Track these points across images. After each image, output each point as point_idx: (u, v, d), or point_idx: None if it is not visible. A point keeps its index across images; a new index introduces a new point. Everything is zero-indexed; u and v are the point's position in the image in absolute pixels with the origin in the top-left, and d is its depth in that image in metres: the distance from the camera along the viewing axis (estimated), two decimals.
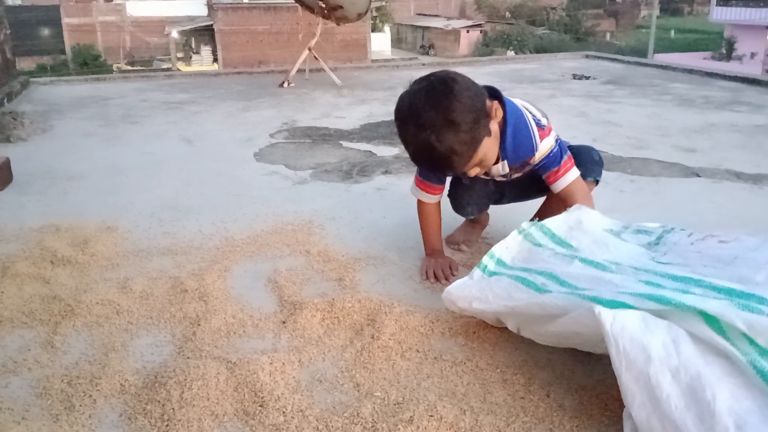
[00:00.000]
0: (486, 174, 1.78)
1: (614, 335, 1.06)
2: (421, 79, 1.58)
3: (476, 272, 1.51)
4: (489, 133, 1.58)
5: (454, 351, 1.43)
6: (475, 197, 1.93)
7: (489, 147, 1.60)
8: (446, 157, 1.52)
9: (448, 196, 1.94)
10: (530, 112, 1.71)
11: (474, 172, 1.65)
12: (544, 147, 1.71)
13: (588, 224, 1.56)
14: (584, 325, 1.15)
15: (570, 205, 1.67)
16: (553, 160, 1.73)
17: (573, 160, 1.77)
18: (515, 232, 1.59)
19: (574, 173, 1.75)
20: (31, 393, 1.30)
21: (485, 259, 1.53)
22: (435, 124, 1.48)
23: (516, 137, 1.67)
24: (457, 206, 1.96)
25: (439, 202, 1.89)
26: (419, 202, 1.89)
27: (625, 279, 1.25)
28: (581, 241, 1.50)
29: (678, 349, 1.02)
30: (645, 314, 1.08)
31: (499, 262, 1.53)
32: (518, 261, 1.52)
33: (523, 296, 1.32)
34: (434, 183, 1.84)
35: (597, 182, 1.89)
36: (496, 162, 1.71)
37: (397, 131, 1.60)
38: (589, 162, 1.84)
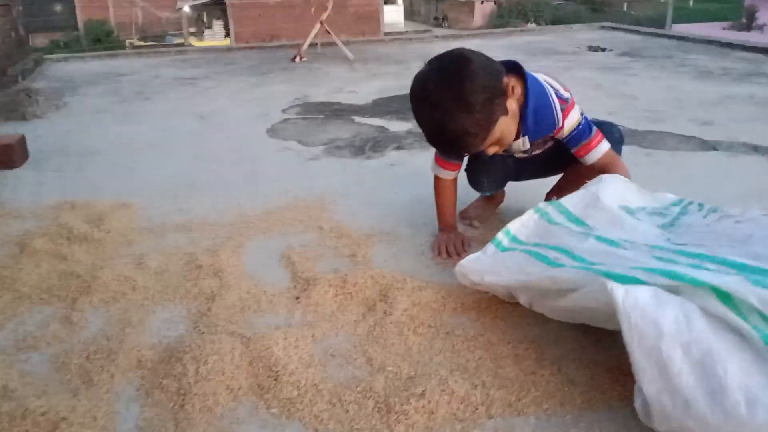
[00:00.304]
0: (506, 150, 1.77)
1: (626, 310, 1.06)
2: (435, 58, 1.56)
3: (490, 247, 1.51)
4: (505, 112, 1.55)
5: (466, 326, 1.44)
6: (493, 173, 1.92)
7: (506, 125, 1.57)
8: (460, 138, 1.51)
9: (465, 170, 1.93)
10: (552, 87, 1.67)
11: (492, 150, 1.63)
12: (570, 121, 1.68)
13: (605, 200, 1.54)
14: (596, 300, 1.15)
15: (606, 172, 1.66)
16: (582, 132, 1.70)
17: (602, 134, 1.74)
18: (531, 211, 1.58)
19: (606, 144, 1.73)
20: (50, 368, 1.33)
21: (500, 235, 1.53)
22: (447, 105, 1.47)
23: (537, 113, 1.63)
24: (474, 181, 1.96)
25: (455, 179, 1.89)
26: (436, 177, 1.89)
27: (638, 254, 1.25)
28: (597, 220, 1.49)
29: (690, 324, 1.02)
30: (657, 289, 1.08)
31: (514, 239, 1.52)
32: (533, 238, 1.51)
33: (536, 270, 1.32)
34: (452, 160, 1.83)
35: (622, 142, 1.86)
36: (517, 137, 1.68)
37: (413, 112, 1.59)
38: (609, 139, 1.81)
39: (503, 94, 1.54)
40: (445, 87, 1.48)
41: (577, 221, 1.51)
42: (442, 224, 1.91)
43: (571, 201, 1.57)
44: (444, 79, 1.49)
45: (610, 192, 1.57)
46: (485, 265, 1.43)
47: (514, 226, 1.54)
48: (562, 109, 1.66)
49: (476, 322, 1.46)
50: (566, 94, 1.69)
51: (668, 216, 1.57)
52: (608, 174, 1.63)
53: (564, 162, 1.88)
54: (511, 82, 1.56)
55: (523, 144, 1.72)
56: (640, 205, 1.60)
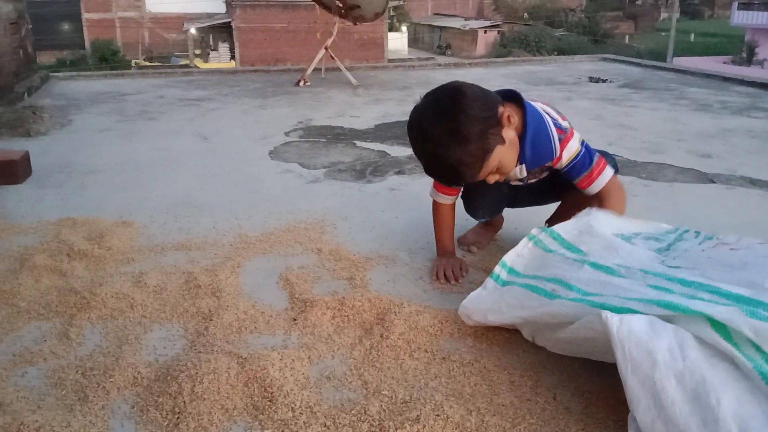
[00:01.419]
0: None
1: (620, 339, 1.07)
2: (430, 92, 1.60)
3: (489, 282, 1.52)
4: (502, 141, 1.57)
5: (463, 352, 1.44)
6: (488, 200, 1.94)
7: (504, 154, 1.59)
8: (455, 168, 1.54)
9: (461, 197, 1.95)
10: (551, 116, 1.69)
11: (493, 178, 1.64)
12: (569, 152, 1.69)
13: (598, 229, 1.56)
14: (593, 330, 1.16)
15: (605, 202, 1.70)
16: (582, 162, 1.71)
17: (605, 160, 1.74)
18: (525, 239, 1.60)
19: (608, 173, 1.73)
20: (47, 383, 1.33)
21: (497, 269, 1.55)
22: (441, 137, 1.51)
23: (535, 142, 1.65)
24: (470, 208, 1.97)
25: (454, 204, 1.91)
26: (435, 202, 1.91)
27: (633, 284, 1.26)
28: (591, 246, 1.51)
29: (684, 353, 1.03)
30: (652, 318, 1.09)
31: (512, 271, 1.54)
32: (530, 269, 1.52)
33: (534, 304, 1.33)
34: (451, 185, 1.85)
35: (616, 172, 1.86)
36: (514, 166, 1.71)
37: (411, 146, 1.64)
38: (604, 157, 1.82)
39: (498, 124, 1.56)
40: (440, 120, 1.52)
41: (571, 248, 1.53)
42: (441, 249, 1.92)
43: (563, 228, 1.59)
44: (438, 113, 1.53)
45: (603, 221, 1.59)
46: (487, 304, 1.44)
47: (509, 257, 1.56)
48: (560, 139, 1.67)
49: (473, 348, 1.46)
50: (565, 124, 1.70)
51: (664, 241, 1.58)
52: (598, 209, 1.65)
53: (560, 190, 1.91)
54: (507, 111, 1.58)
55: (520, 172, 1.74)
56: (636, 231, 1.62)
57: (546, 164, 1.73)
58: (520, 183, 1.83)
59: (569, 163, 1.71)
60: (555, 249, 1.54)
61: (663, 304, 1.10)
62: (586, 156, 1.71)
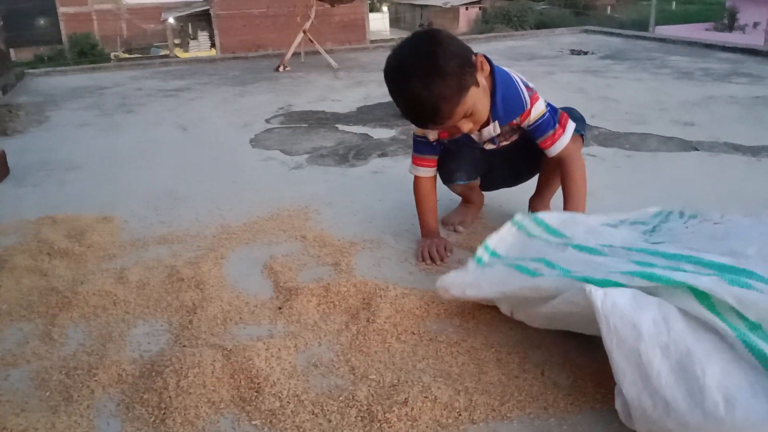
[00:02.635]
0: (474, 142, 1.81)
1: (605, 313, 1.06)
2: (406, 37, 1.63)
3: (470, 264, 1.51)
4: (476, 83, 1.59)
5: (449, 332, 1.44)
6: (463, 163, 1.93)
7: (478, 98, 1.61)
8: (434, 103, 1.53)
9: (438, 168, 1.94)
10: (518, 77, 1.74)
11: (466, 126, 1.64)
12: (536, 109, 1.74)
13: (582, 218, 1.58)
14: (576, 304, 1.16)
15: (564, 168, 1.77)
16: (547, 123, 1.76)
17: (567, 117, 1.81)
18: (509, 224, 1.60)
19: (568, 135, 1.79)
20: (30, 385, 1.31)
21: (480, 251, 1.54)
22: (421, 71, 1.51)
23: (506, 96, 1.69)
24: (446, 173, 1.96)
25: (434, 180, 1.91)
26: (416, 180, 1.91)
27: (616, 261, 1.25)
28: (575, 231, 1.51)
29: (668, 325, 1.02)
30: (636, 292, 1.08)
31: (494, 254, 1.53)
32: (512, 252, 1.52)
33: (517, 281, 1.32)
34: (427, 154, 1.86)
35: (582, 137, 1.91)
36: (487, 124, 1.72)
37: (388, 91, 1.63)
38: (573, 119, 1.86)
39: (473, 65, 1.59)
40: (418, 56, 1.54)
41: (555, 233, 1.53)
42: (425, 230, 1.91)
43: (547, 215, 1.60)
44: (416, 51, 1.56)
45: (586, 217, 1.61)
46: (466, 280, 1.43)
47: (492, 240, 1.56)
48: (529, 95, 1.72)
49: (459, 327, 1.45)
50: (531, 85, 1.76)
51: (649, 224, 1.58)
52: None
53: (533, 162, 1.95)
54: (480, 58, 1.62)
55: (494, 129, 1.76)
56: (622, 219, 1.62)
57: (515, 121, 1.75)
58: (493, 146, 1.84)
59: (536, 121, 1.75)
60: (537, 234, 1.54)
61: (645, 276, 1.09)
62: (551, 118, 1.77)
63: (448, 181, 1.99)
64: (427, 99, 1.52)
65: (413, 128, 1.84)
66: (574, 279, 1.18)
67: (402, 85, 1.57)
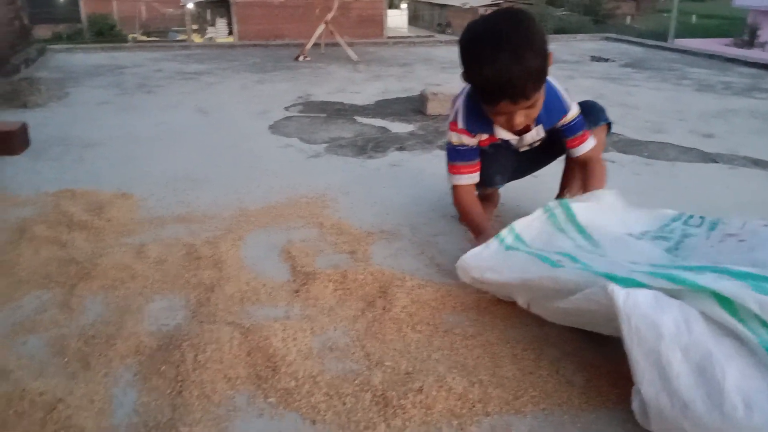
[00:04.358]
0: (511, 145, 1.81)
1: (627, 312, 1.07)
2: (494, 11, 1.59)
3: (493, 243, 1.51)
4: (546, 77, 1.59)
5: (465, 325, 1.44)
6: (501, 166, 1.91)
7: (542, 95, 1.60)
8: (523, 77, 1.49)
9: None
10: (554, 81, 1.75)
11: (520, 118, 1.60)
12: (572, 112, 1.76)
13: (608, 218, 1.57)
14: (596, 302, 1.16)
15: (588, 168, 1.82)
16: (579, 123, 1.79)
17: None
18: (540, 211, 1.59)
19: (593, 141, 1.83)
20: (48, 351, 1.32)
21: (504, 232, 1.53)
22: (516, 43, 1.48)
23: (547, 103, 1.68)
24: (485, 177, 1.88)
25: (475, 186, 1.84)
26: (459, 190, 1.83)
27: (641, 266, 1.25)
28: (603, 237, 1.49)
29: (689, 327, 1.03)
30: (657, 293, 1.08)
31: (518, 238, 1.52)
32: (537, 242, 1.52)
33: (538, 270, 1.33)
34: (471, 159, 1.79)
35: (609, 125, 1.94)
36: (528, 129, 1.73)
37: (465, 58, 1.57)
38: (596, 110, 1.90)
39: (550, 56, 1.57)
40: (513, 28, 1.51)
41: (583, 232, 1.51)
42: (477, 231, 1.79)
43: (578, 205, 1.57)
44: (513, 22, 1.52)
45: (611, 206, 1.59)
46: (488, 262, 1.43)
47: (520, 224, 1.55)
48: (569, 97, 1.75)
49: (475, 321, 1.46)
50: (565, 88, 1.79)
51: (672, 239, 1.56)
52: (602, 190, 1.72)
53: (547, 158, 2.01)
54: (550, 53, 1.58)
55: (537, 133, 1.76)
56: (644, 230, 1.60)
57: (558, 124, 1.77)
58: (528, 148, 1.84)
59: (571, 122, 1.77)
60: (566, 229, 1.53)
61: (669, 278, 1.10)
62: (583, 120, 1.80)
63: (488, 185, 1.94)
64: (518, 72, 1.48)
65: (451, 138, 1.78)
66: (597, 274, 1.18)
67: (491, 54, 1.49)
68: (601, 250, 1.44)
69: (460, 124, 1.75)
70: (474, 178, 1.82)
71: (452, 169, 1.83)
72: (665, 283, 1.09)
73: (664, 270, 1.16)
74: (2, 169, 2.56)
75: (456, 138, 1.77)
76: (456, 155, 1.81)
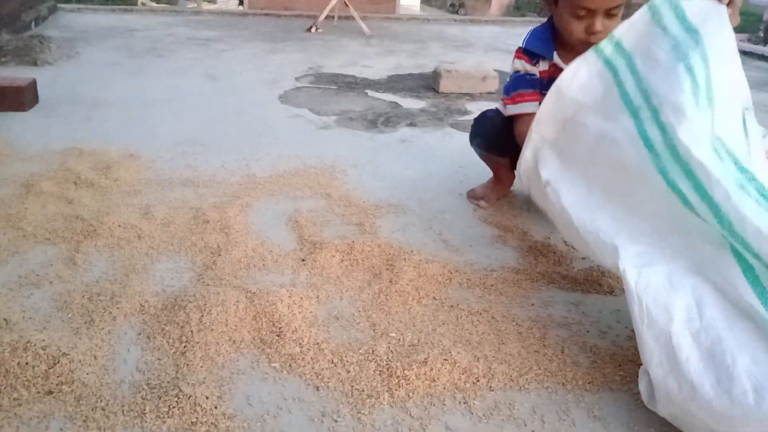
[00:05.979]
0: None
1: (638, 294, 1.06)
2: None
3: (590, 55, 1.37)
4: None
5: (471, 301, 1.43)
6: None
7: (621, 12, 1.61)
8: None
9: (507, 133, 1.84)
10: None
11: (599, 25, 1.61)
12: None
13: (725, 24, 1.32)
14: (601, 258, 1.18)
15: None
16: None
17: None
18: (644, 9, 1.35)
19: None
20: (53, 306, 1.32)
21: (603, 43, 1.37)
22: None
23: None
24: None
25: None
26: (520, 118, 1.76)
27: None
28: (712, 37, 1.27)
29: (701, 312, 1.02)
30: (671, 271, 1.07)
31: (618, 45, 1.35)
32: (639, 47, 1.33)
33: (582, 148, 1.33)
34: (534, 88, 1.78)
35: None
36: None
37: None
38: None
39: None
40: None
41: (690, 29, 1.29)
42: None
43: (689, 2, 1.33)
44: None
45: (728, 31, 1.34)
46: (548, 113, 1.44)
47: (620, 30, 1.36)
48: None
49: (481, 298, 1.45)
50: None
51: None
52: None
53: None
54: None
55: None
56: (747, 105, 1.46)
57: None
58: None
59: None
60: (669, 27, 1.30)
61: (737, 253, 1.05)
62: None
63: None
64: None
65: (516, 66, 1.79)
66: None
67: None
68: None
69: (524, 45, 1.79)
70: (537, 107, 1.72)
71: (517, 98, 1.80)
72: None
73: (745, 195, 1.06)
74: (11, 125, 2.55)
75: (520, 65, 1.79)
76: (521, 82, 1.80)
